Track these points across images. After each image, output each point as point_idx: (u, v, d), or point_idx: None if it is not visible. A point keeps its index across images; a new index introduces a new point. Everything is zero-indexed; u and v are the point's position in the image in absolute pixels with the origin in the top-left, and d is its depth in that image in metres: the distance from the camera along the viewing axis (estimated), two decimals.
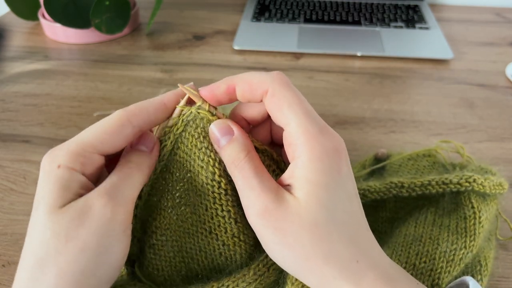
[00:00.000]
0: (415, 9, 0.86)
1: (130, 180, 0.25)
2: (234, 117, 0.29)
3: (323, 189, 0.24)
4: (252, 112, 0.28)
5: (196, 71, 0.68)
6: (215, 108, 0.28)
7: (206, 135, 0.27)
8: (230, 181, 0.27)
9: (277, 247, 0.24)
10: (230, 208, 0.27)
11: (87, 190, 0.24)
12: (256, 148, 0.27)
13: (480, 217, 0.33)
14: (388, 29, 0.78)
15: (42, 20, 0.77)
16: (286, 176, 0.25)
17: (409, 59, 0.71)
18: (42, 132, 0.55)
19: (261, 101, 0.27)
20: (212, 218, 0.28)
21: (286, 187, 0.25)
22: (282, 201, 0.24)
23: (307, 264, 0.24)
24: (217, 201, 0.27)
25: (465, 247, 0.31)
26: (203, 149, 0.27)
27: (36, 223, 0.24)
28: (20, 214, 0.44)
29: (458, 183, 0.34)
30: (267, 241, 0.25)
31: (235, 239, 0.28)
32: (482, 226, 0.33)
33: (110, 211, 0.24)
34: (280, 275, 0.29)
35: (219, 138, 0.27)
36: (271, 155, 0.29)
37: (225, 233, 0.28)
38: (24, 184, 0.47)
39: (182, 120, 0.27)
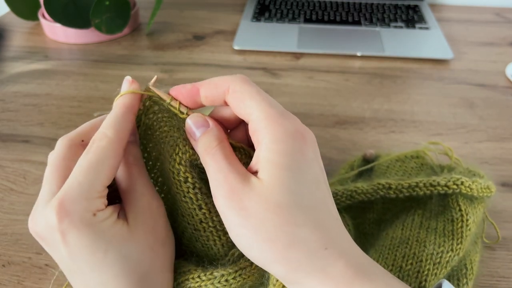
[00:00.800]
0: (415, 9, 0.86)
1: (145, 175, 0.29)
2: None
3: (286, 171, 0.24)
4: (226, 114, 0.29)
5: (196, 71, 0.68)
6: (188, 108, 0.29)
7: (174, 127, 0.29)
8: (191, 171, 0.28)
9: (241, 230, 0.24)
10: (191, 195, 0.28)
11: (117, 209, 0.27)
12: (232, 145, 0.28)
13: (467, 220, 0.33)
14: (388, 29, 0.78)
15: (42, 20, 0.77)
16: (253, 163, 0.26)
17: (409, 59, 0.71)
18: (42, 132, 0.55)
19: (225, 102, 0.27)
20: (180, 201, 0.28)
21: (254, 173, 0.25)
22: (248, 183, 0.24)
23: (271, 249, 0.23)
24: (178, 187, 0.28)
25: (452, 249, 0.31)
26: (181, 138, 0.28)
27: (112, 264, 0.26)
28: (20, 214, 0.44)
29: (446, 185, 0.34)
30: (232, 224, 0.25)
31: (204, 224, 0.28)
32: (469, 229, 0.33)
33: (161, 202, 0.30)
34: (263, 273, 0.29)
35: (195, 131, 0.27)
36: (249, 153, 0.29)
37: (193, 217, 0.28)
38: (24, 184, 0.47)
39: (150, 102, 0.29)
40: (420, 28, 0.79)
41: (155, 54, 0.73)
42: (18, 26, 0.82)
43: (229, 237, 0.28)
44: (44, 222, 0.25)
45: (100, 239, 0.25)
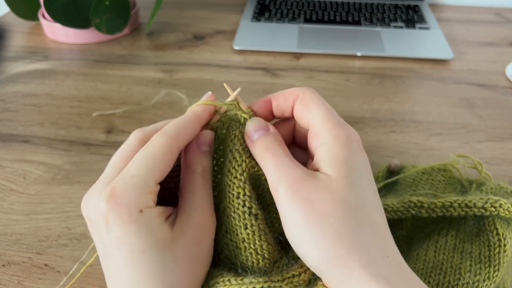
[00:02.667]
0: (415, 9, 0.86)
1: (208, 190, 0.29)
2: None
3: (352, 169, 0.25)
4: (280, 103, 0.30)
5: (196, 71, 0.68)
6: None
7: (243, 137, 0.30)
8: (245, 186, 0.28)
9: (302, 224, 0.23)
10: (240, 213, 0.28)
11: (167, 213, 0.27)
12: None
13: (505, 245, 0.31)
14: (388, 29, 0.78)
15: (42, 20, 0.77)
16: (314, 163, 0.26)
17: (409, 59, 0.71)
18: (42, 132, 0.55)
19: (292, 112, 0.29)
20: (227, 217, 0.28)
21: (316, 170, 0.26)
22: (313, 175, 0.25)
23: (334, 244, 0.22)
24: (230, 201, 0.28)
25: (488, 278, 0.30)
26: (240, 148, 0.29)
27: (149, 263, 0.25)
28: (20, 214, 0.44)
29: (483, 207, 0.32)
30: (294, 216, 0.24)
31: (245, 244, 0.28)
32: (507, 255, 0.31)
33: (215, 221, 0.29)
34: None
35: (252, 133, 0.28)
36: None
37: (236, 235, 0.28)
38: (24, 184, 0.47)
39: (227, 118, 0.30)
40: (420, 28, 0.79)
41: (155, 54, 0.73)
42: (18, 26, 0.82)
43: (268, 263, 0.28)
44: (94, 205, 0.25)
45: (141, 237, 0.24)
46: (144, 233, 0.25)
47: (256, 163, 0.29)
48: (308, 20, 0.82)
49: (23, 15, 0.80)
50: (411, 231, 0.35)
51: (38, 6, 0.79)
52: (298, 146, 0.32)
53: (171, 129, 0.27)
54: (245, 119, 0.30)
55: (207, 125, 0.31)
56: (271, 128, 0.29)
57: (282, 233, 0.28)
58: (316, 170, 0.25)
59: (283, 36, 0.76)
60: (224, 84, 0.31)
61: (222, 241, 0.29)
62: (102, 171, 0.28)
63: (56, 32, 0.76)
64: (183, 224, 0.26)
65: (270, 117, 0.31)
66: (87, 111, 0.59)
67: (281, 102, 0.30)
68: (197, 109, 0.30)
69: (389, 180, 0.41)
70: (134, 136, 0.29)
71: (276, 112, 0.30)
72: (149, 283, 0.25)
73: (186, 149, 0.29)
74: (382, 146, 0.52)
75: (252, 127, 0.29)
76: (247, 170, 0.28)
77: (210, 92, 0.31)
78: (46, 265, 0.39)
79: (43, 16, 0.78)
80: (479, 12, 0.89)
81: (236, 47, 0.73)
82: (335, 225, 0.23)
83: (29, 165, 0.50)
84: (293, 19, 0.82)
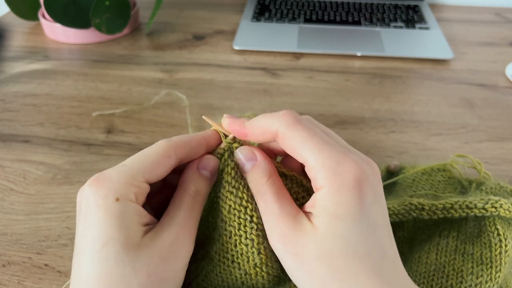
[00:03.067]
0: (415, 9, 0.86)
1: (194, 213, 0.27)
2: (262, 148, 0.30)
3: (342, 221, 0.23)
4: (276, 146, 0.29)
5: (196, 71, 0.68)
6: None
7: (237, 165, 0.29)
8: (256, 208, 0.27)
9: (297, 273, 0.24)
10: (253, 237, 0.27)
11: (146, 219, 0.25)
12: (284, 174, 0.28)
13: (506, 246, 0.31)
14: (388, 29, 0.78)
15: (42, 20, 0.77)
16: (309, 205, 0.26)
17: (409, 59, 0.71)
18: (42, 132, 0.55)
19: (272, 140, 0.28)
20: (235, 246, 0.27)
21: (308, 214, 0.25)
22: (299, 228, 0.24)
23: None
24: (241, 227, 0.27)
25: (490, 279, 0.30)
26: (235, 176, 0.28)
27: (106, 260, 0.23)
28: (20, 214, 0.44)
29: (484, 208, 0.32)
30: (288, 267, 0.25)
31: (257, 269, 0.28)
32: (508, 256, 0.31)
33: (192, 247, 0.26)
34: None
35: (244, 163, 0.28)
36: (300, 181, 0.28)
37: (248, 262, 0.27)
38: (24, 184, 0.47)
39: (228, 153, 0.29)
40: (420, 28, 0.79)
41: (155, 54, 0.73)
42: (18, 26, 0.82)
43: (277, 281, 0.28)
44: (82, 189, 0.25)
45: (106, 228, 0.23)
46: (111, 224, 0.23)
47: None
48: (308, 20, 0.82)
49: (23, 15, 0.80)
50: (412, 233, 0.35)
51: (38, 6, 0.79)
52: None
53: (175, 137, 0.27)
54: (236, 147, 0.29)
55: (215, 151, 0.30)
56: (258, 156, 0.28)
57: None
58: (310, 213, 0.25)
59: (283, 36, 0.76)
60: (203, 117, 0.29)
61: (224, 272, 0.28)
62: (102, 171, 0.28)
63: (56, 32, 0.76)
64: (155, 235, 0.24)
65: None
66: (87, 111, 0.59)
67: (258, 138, 0.27)
68: (208, 131, 0.29)
69: (388, 181, 0.41)
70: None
71: (255, 141, 0.29)
72: (98, 283, 0.23)
73: (185, 168, 0.29)
74: (382, 146, 0.52)
75: (241, 157, 0.28)
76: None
77: (225, 115, 0.30)
78: (46, 265, 0.39)
79: (43, 16, 0.78)
80: (479, 12, 0.89)
81: (236, 47, 0.73)
82: (324, 278, 0.23)
83: (29, 165, 0.50)
84: (293, 19, 0.82)
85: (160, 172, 0.26)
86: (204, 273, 0.29)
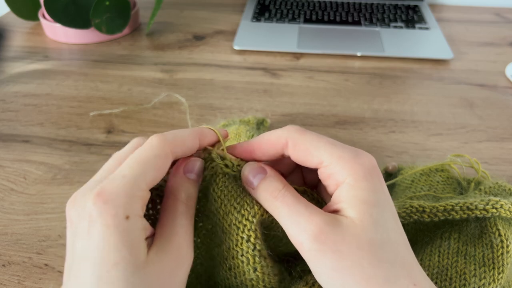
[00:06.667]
0: (415, 9, 0.86)
1: (190, 220, 0.26)
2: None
3: (375, 207, 0.23)
4: (279, 167, 0.29)
5: (196, 71, 0.68)
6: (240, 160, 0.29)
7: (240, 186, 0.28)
8: (256, 230, 0.27)
9: (334, 273, 0.23)
10: (249, 256, 0.27)
11: (148, 231, 0.24)
12: (295, 189, 0.27)
13: (508, 246, 0.31)
14: (388, 29, 0.78)
15: (42, 20, 0.77)
16: (332, 203, 0.25)
17: (409, 59, 0.71)
18: (42, 132, 0.55)
19: (283, 155, 0.27)
20: (233, 258, 0.27)
21: (334, 212, 0.25)
22: (335, 222, 0.23)
23: (368, 287, 0.22)
24: (239, 244, 0.27)
25: (493, 280, 0.29)
26: (239, 192, 0.27)
27: (116, 281, 0.22)
28: (20, 214, 0.44)
29: (484, 209, 0.31)
30: (324, 268, 0.23)
31: (253, 282, 0.27)
32: (510, 256, 0.30)
33: (193, 254, 0.26)
34: None
35: (252, 180, 0.27)
36: (311, 194, 0.28)
37: (243, 275, 0.27)
38: (24, 184, 0.47)
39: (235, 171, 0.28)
40: (420, 28, 0.79)
41: (155, 54, 0.73)
42: (18, 26, 0.82)
43: None
44: (80, 205, 0.23)
45: (119, 248, 0.22)
46: (122, 244, 0.22)
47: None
48: (308, 20, 0.82)
49: (23, 15, 0.80)
50: (413, 235, 0.35)
51: (38, 6, 0.79)
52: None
53: (169, 133, 0.26)
54: (237, 165, 0.28)
55: (205, 152, 0.29)
56: (268, 169, 0.27)
57: (284, 254, 0.28)
58: (336, 210, 0.24)
59: (283, 36, 0.76)
60: (204, 125, 0.29)
61: (222, 275, 0.29)
62: None
63: (56, 32, 0.76)
64: (159, 250, 0.24)
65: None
66: (87, 111, 0.59)
67: (266, 151, 0.27)
68: (203, 128, 0.29)
69: (387, 183, 0.41)
70: (134, 141, 0.28)
71: (262, 159, 0.28)
72: None
73: (172, 174, 0.27)
74: (381, 146, 0.52)
75: (249, 172, 0.27)
76: (259, 213, 0.27)
77: (225, 130, 0.30)
78: (46, 265, 0.39)
79: (43, 16, 0.78)
80: (479, 12, 0.89)
81: (236, 47, 0.73)
82: (367, 269, 0.23)
83: (29, 165, 0.50)
84: (293, 19, 0.82)
85: (160, 174, 0.25)
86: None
